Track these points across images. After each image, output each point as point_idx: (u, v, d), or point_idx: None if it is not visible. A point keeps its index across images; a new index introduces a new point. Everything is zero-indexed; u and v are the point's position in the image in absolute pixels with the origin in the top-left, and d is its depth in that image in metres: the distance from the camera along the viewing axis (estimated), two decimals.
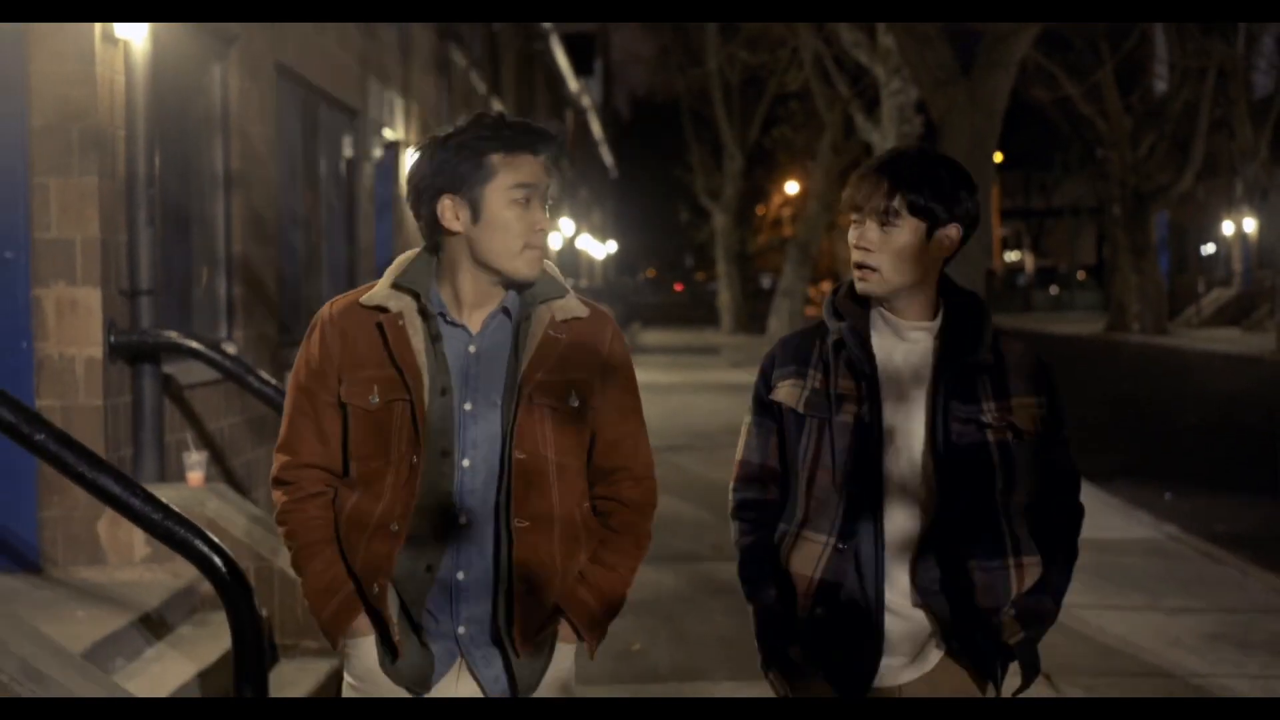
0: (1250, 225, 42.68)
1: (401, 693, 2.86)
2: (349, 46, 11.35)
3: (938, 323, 2.96)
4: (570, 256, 41.63)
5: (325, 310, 2.89)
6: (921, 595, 2.90)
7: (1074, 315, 55.63)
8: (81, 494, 6.00)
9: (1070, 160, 49.69)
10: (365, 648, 2.87)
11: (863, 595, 2.89)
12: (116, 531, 6.16)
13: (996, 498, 2.90)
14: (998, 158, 60.40)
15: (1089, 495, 11.31)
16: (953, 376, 2.90)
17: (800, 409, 2.96)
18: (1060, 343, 37.65)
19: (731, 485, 3.12)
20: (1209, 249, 50.03)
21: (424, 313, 2.82)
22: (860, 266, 2.92)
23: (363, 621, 2.85)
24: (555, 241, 34.88)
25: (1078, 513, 3.06)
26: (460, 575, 2.80)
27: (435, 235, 2.84)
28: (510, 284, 2.83)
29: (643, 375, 22.51)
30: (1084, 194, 55.52)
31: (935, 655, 2.95)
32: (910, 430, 2.91)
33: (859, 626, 2.90)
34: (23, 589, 5.91)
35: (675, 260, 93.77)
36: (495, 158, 2.77)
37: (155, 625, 5.55)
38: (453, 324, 2.84)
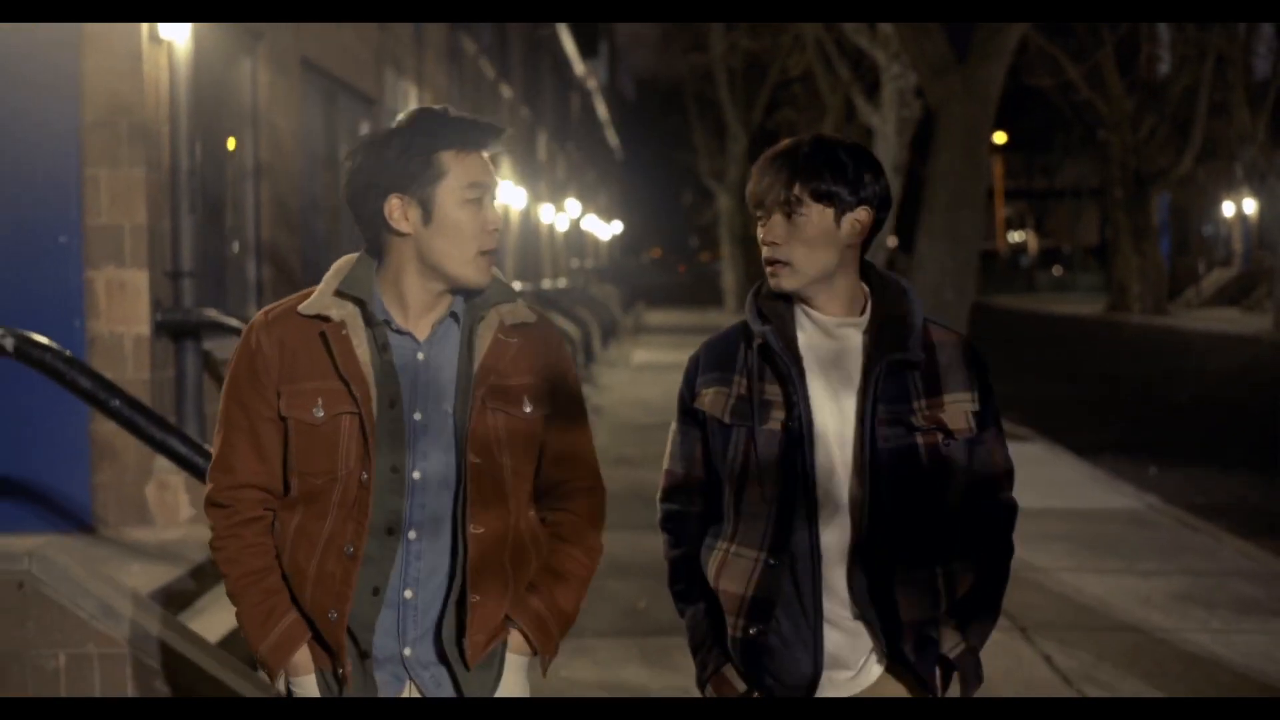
0: (1250, 207, 43.11)
1: None
2: (367, 39, 11.83)
3: (865, 318, 2.82)
4: (576, 237, 42.08)
5: (259, 319, 2.72)
6: (857, 606, 2.78)
7: (1076, 296, 55.99)
8: (131, 460, 6.51)
9: (1072, 142, 50.05)
10: (308, 688, 2.73)
11: (800, 608, 2.77)
12: (164, 495, 6.67)
13: (926, 502, 2.78)
14: (1001, 139, 60.50)
15: (1075, 468, 11.97)
16: (880, 376, 2.75)
17: (725, 418, 2.81)
18: (1061, 323, 38.16)
19: (658, 495, 2.98)
20: (1210, 230, 50.45)
21: (369, 321, 2.68)
22: (771, 262, 2.80)
23: (304, 655, 2.71)
24: (562, 223, 35.34)
25: (1012, 510, 2.93)
26: (407, 594, 2.69)
27: (380, 237, 2.69)
28: (459, 290, 2.71)
29: (649, 353, 23.22)
30: (1087, 175, 55.86)
31: (876, 670, 2.84)
32: (842, 434, 2.77)
33: (797, 642, 2.78)
34: (79, 546, 6.43)
35: (679, 241, 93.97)
36: (447, 155, 2.64)
37: (205, 577, 6.06)
38: (399, 332, 2.70)
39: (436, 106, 2.69)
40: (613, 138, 62.80)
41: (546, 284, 28.20)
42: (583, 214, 42.41)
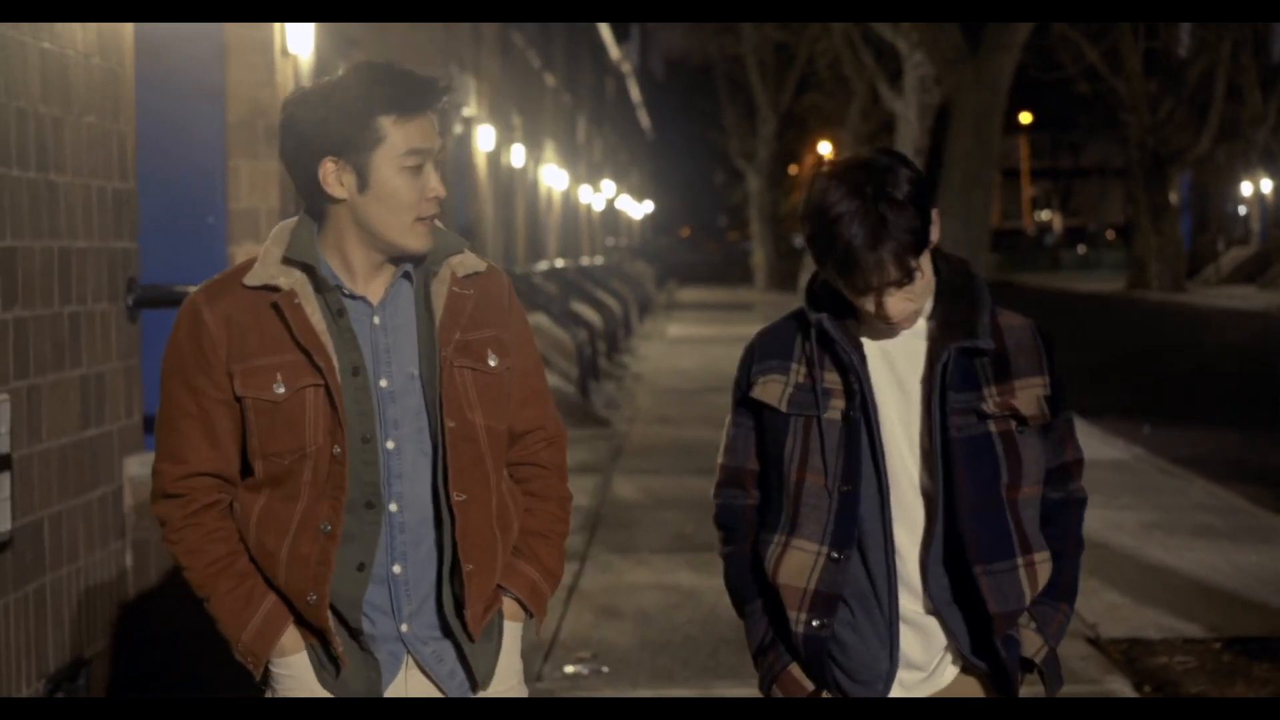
0: (1267, 186, 44.06)
1: None
2: (435, 38, 13.17)
3: (929, 304, 2.71)
4: (611, 217, 43.33)
5: (198, 297, 2.57)
6: (933, 602, 2.69)
7: (1100, 274, 56.90)
8: None
9: (1095, 122, 51.00)
10: (298, 667, 2.60)
11: (876, 601, 2.69)
12: None
13: (1002, 493, 2.66)
14: (1026, 119, 60.89)
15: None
16: (948, 364, 2.64)
17: (784, 408, 2.71)
18: (1081, 300, 39.22)
19: (713, 491, 2.91)
20: (1231, 209, 51.37)
21: (319, 287, 2.53)
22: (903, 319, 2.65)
23: (291, 636, 2.58)
24: (599, 203, 36.66)
25: (1082, 503, 2.83)
26: (396, 569, 2.58)
27: (316, 201, 2.55)
28: (401, 257, 2.58)
29: (682, 328, 24.79)
30: (1111, 154, 56.77)
31: (951, 671, 2.74)
32: (909, 423, 2.68)
33: (873, 635, 2.70)
34: None
35: (708, 220, 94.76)
36: (385, 121, 2.47)
37: None
38: (351, 296, 2.56)
39: (378, 62, 2.54)
40: (644, 119, 63.94)
41: (585, 261, 29.52)
42: (617, 194, 43.67)
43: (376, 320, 2.58)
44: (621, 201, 46.88)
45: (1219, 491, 9.90)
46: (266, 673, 2.63)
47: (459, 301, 2.61)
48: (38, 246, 4.84)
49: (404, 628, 2.61)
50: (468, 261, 2.65)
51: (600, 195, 36.75)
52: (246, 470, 2.60)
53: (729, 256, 74.91)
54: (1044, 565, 2.73)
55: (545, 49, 25.90)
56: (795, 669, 2.76)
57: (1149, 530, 8.51)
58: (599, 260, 32.63)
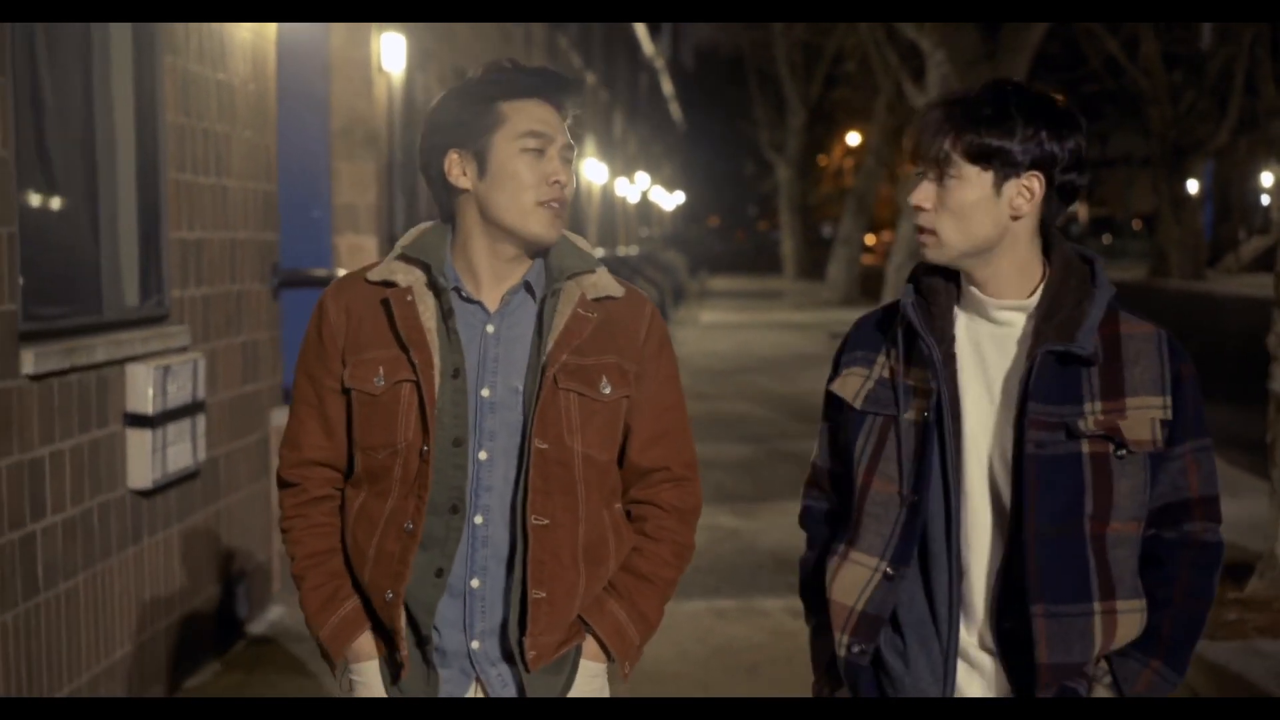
0: None
1: None
2: (490, 42, 14.42)
3: (1034, 300, 2.39)
4: (644, 208, 44.51)
5: (330, 288, 2.62)
6: (996, 641, 2.40)
7: (1125, 263, 57.55)
8: None
9: (1119, 113, 51.76)
10: (369, 674, 2.59)
11: (935, 630, 2.41)
12: None
13: (1085, 525, 2.34)
14: None
15: None
16: (1034, 368, 2.33)
17: (858, 404, 2.47)
18: None
19: (802, 490, 2.72)
20: (1252, 199, 52.25)
21: (434, 287, 2.53)
22: (920, 230, 2.41)
23: (366, 642, 2.58)
24: (634, 194, 37.90)
25: (1206, 548, 2.42)
26: (475, 583, 2.52)
27: (447, 199, 2.57)
28: (529, 250, 2.54)
29: (715, 315, 26.20)
30: (1137, 145, 57.50)
31: None
32: (1001, 434, 2.38)
33: (925, 669, 2.42)
34: None
35: (738, 210, 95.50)
36: (503, 104, 2.49)
37: None
38: (468, 300, 2.55)
39: (504, 59, 2.57)
40: (676, 111, 65.10)
41: (621, 250, 30.77)
42: (650, 185, 44.86)
43: (490, 328, 2.55)
44: (654, 193, 48.06)
45: None
46: (344, 668, 2.65)
47: (580, 324, 2.53)
48: (215, 238, 6.10)
49: (475, 645, 2.55)
50: (602, 283, 2.59)
51: (635, 187, 37.95)
52: (354, 464, 2.61)
53: (759, 246, 75.77)
54: (1130, 616, 2.38)
55: (585, 49, 27.21)
56: (843, 693, 2.52)
57: None
58: (634, 250, 33.89)
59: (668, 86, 58.07)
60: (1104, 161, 72.72)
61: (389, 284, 2.55)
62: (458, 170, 2.52)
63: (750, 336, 22.65)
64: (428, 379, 2.49)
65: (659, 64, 51.52)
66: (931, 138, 2.36)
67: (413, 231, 2.62)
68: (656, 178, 48.78)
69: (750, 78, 44.71)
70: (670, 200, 58.19)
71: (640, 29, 41.10)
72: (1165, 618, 2.39)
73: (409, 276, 2.54)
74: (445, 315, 2.52)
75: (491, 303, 2.56)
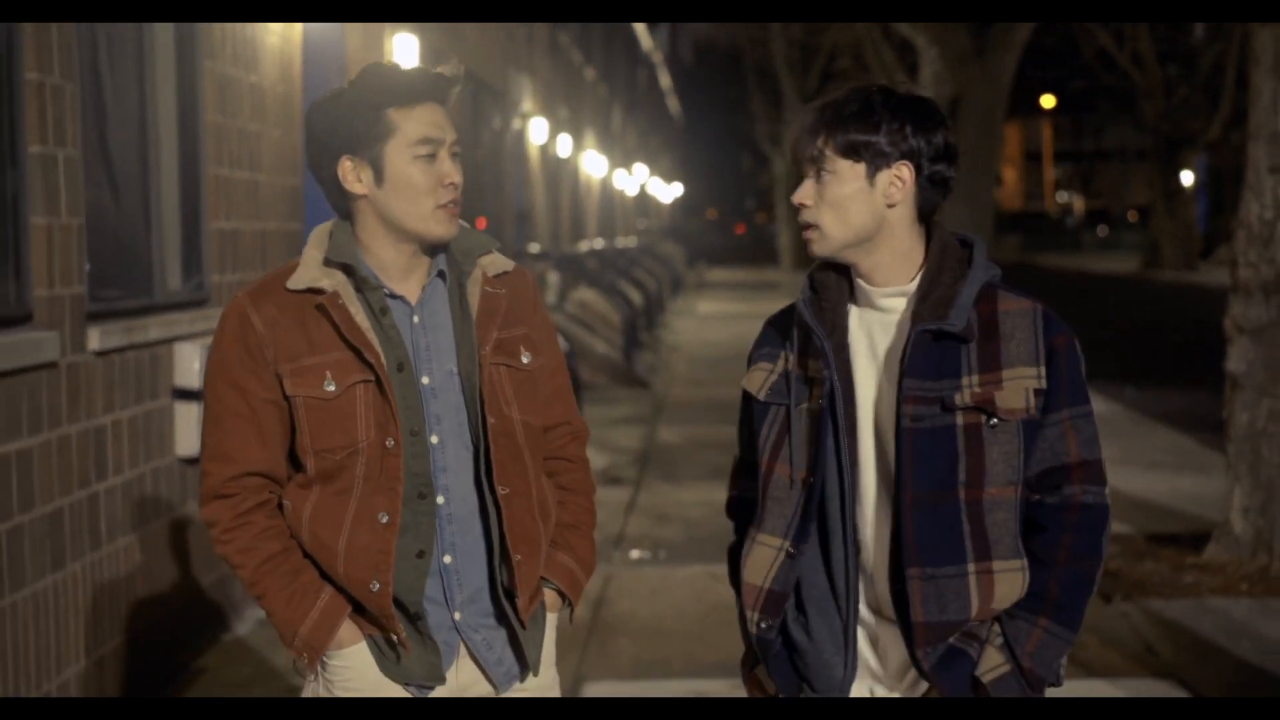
0: None
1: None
2: (495, 42, 14.91)
3: (914, 285, 2.52)
4: (642, 200, 44.93)
5: (242, 300, 2.61)
6: (893, 608, 2.51)
7: (1119, 255, 57.76)
8: None
9: (1115, 106, 52.08)
10: (358, 658, 2.64)
11: (835, 605, 2.54)
12: None
13: (959, 491, 2.44)
14: (1049, 102, 61.29)
15: None
16: (910, 347, 2.45)
17: (761, 396, 2.62)
18: (1096, 279, 40.59)
19: (728, 482, 2.85)
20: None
21: (360, 287, 2.59)
22: (805, 227, 2.55)
23: (349, 628, 2.62)
24: (632, 187, 38.35)
25: (1086, 510, 2.49)
26: (446, 559, 2.64)
27: (342, 201, 2.61)
28: (430, 247, 2.63)
29: (712, 305, 26.81)
30: (1132, 137, 57.82)
31: (922, 687, 2.54)
32: (882, 415, 2.51)
33: (828, 641, 2.55)
34: None
35: (735, 203, 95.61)
36: (391, 112, 2.53)
37: None
38: (391, 296, 2.62)
39: (384, 62, 2.58)
40: (673, 104, 65.42)
41: (620, 242, 31.24)
42: (649, 178, 45.25)
43: (416, 319, 2.63)
44: (652, 185, 48.42)
45: (1177, 438, 11.51)
46: (320, 667, 2.66)
47: (493, 300, 2.66)
48: (249, 228, 6.60)
49: (457, 616, 2.65)
50: (497, 261, 2.71)
51: (633, 179, 38.36)
52: (295, 468, 2.65)
53: (756, 238, 75.89)
54: (1009, 575, 2.47)
55: (585, 45, 27.70)
56: (761, 670, 2.67)
57: (1108, 463, 10.11)
58: (632, 241, 34.34)
59: (666, 80, 58.43)
60: (1099, 154, 73.22)
61: (315, 290, 2.58)
62: (353, 177, 2.58)
63: (746, 326, 22.80)
64: (385, 376, 2.56)
65: (657, 59, 51.91)
66: (808, 139, 2.51)
67: (319, 234, 2.65)
68: (655, 170, 49.18)
69: (748, 73, 45.03)
70: (668, 192, 58.54)
71: (639, 25, 41.50)
72: (1051, 578, 2.47)
73: (333, 280, 2.59)
74: (380, 313, 2.59)
75: (411, 295, 2.64)
